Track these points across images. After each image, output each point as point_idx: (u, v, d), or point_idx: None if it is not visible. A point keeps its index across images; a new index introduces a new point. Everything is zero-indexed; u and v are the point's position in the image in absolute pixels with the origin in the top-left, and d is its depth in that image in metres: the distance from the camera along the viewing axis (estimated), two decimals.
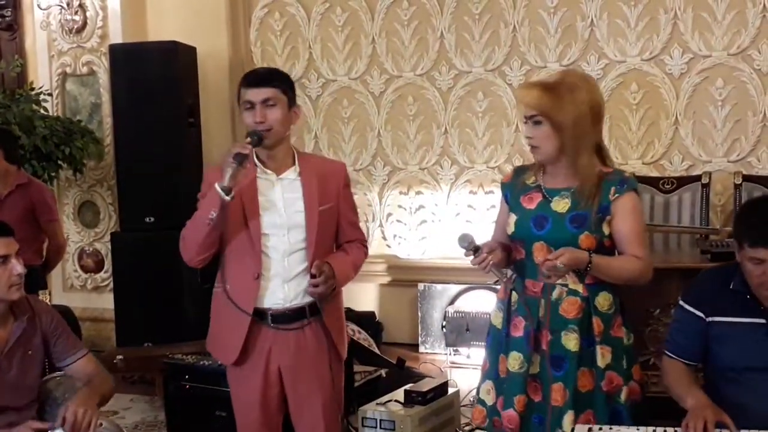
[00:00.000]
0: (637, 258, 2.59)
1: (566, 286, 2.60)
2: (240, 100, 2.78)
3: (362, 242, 2.99)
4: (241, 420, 2.90)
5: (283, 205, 2.76)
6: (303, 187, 2.78)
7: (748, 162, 5.28)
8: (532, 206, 2.66)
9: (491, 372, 2.76)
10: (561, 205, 2.61)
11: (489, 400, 2.75)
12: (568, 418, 2.55)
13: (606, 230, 2.60)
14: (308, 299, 2.79)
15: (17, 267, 2.82)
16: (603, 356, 2.58)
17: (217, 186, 2.60)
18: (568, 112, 2.52)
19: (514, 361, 2.64)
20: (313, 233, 2.77)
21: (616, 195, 2.58)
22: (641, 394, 2.71)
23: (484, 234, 2.87)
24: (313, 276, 2.73)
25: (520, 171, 2.79)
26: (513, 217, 2.69)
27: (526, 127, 2.63)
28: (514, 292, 2.69)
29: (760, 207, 2.63)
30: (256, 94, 2.72)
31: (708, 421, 2.41)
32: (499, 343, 2.74)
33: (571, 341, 2.57)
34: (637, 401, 2.68)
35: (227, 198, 2.59)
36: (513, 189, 2.74)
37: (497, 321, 2.76)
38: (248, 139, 2.65)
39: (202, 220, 2.65)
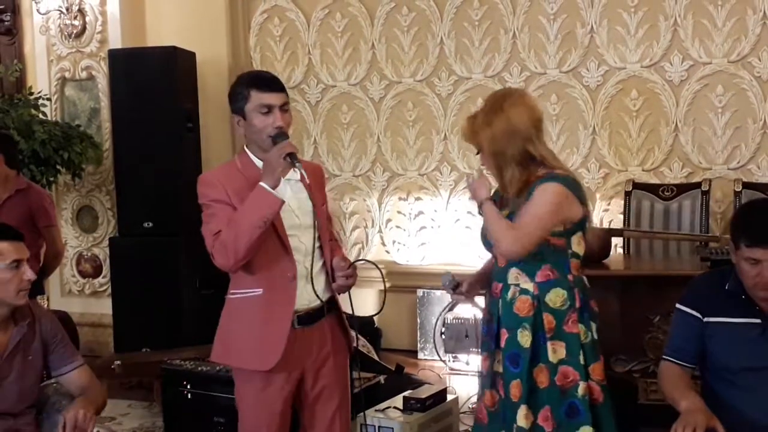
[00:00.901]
0: (512, 227, 2.66)
1: (518, 285, 2.73)
2: (246, 102, 2.73)
3: (338, 241, 3.10)
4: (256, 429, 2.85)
5: (297, 206, 2.79)
6: (307, 188, 2.81)
7: (748, 169, 5.28)
8: None
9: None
10: (505, 211, 2.77)
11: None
12: (521, 412, 2.65)
13: None
14: (326, 296, 2.85)
15: (28, 272, 2.85)
16: (555, 351, 2.67)
17: (266, 187, 2.63)
18: (483, 136, 2.73)
19: (483, 359, 2.84)
20: (325, 232, 2.85)
21: (535, 188, 2.68)
22: (603, 395, 2.73)
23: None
24: (331, 269, 2.82)
25: None
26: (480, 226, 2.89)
27: None
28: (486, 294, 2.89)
29: (758, 208, 2.66)
30: (275, 98, 2.74)
31: (698, 425, 2.42)
32: (481, 342, 2.92)
33: (523, 338, 2.68)
34: (599, 402, 2.71)
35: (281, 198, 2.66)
36: None
37: (482, 322, 2.93)
38: (289, 140, 2.71)
39: (256, 223, 2.62)
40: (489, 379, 2.78)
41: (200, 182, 2.79)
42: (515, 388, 2.67)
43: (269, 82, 2.77)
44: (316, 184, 2.85)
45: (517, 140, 2.70)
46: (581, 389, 2.66)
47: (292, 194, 2.77)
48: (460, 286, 2.84)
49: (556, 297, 2.69)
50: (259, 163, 2.77)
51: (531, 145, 2.71)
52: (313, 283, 2.77)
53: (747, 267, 2.51)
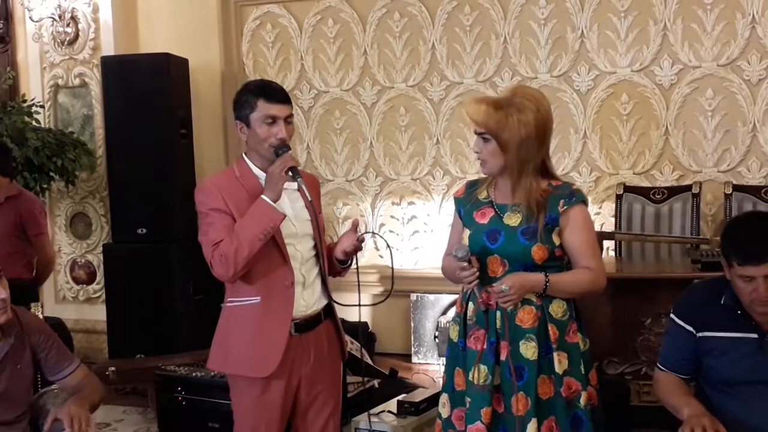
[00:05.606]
0: (588, 269, 2.64)
1: None
2: (252, 111, 2.75)
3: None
4: None
5: (293, 215, 2.81)
6: (304, 197, 2.82)
7: (738, 172, 5.31)
8: (485, 221, 2.71)
9: (447, 385, 2.81)
10: (513, 219, 2.66)
11: (444, 413, 2.81)
12: (531, 426, 2.57)
13: (556, 240, 2.65)
14: (323, 303, 2.89)
15: (1, 292, 2.80)
16: (560, 362, 2.61)
17: (268, 201, 2.66)
18: (514, 133, 2.57)
19: (479, 374, 2.64)
20: (323, 240, 2.87)
21: (565, 207, 2.64)
22: (598, 398, 2.72)
23: None
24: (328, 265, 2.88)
25: (472, 185, 2.85)
26: (467, 232, 2.74)
27: (475, 141, 2.69)
28: (470, 304, 2.72)
29: (746, 224, 2.62)
30: (282, 110, 2.76)
31: (707, 426, 2.42)
32: (455, 356, 2.77)
33: (529, 350, 2.60)
34: (595, 406, 2.69)
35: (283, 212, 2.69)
36: (466, 204, 2.80)
37: (453, 334, 2.80)
38: (290, 152, 2.74)
39: (257, 236, 2.65)
40: (487, 396, 2.62)
41: (199, 190, 2.80)
42: (519, 402, 2.58)
43: (277, 93, 2.78)
44: (313, 194, 2.85)
45: (546, 146, 2.65)
46: (583, 399, 2.62)
47: (289, 203, 2.79)
48: (471, 265, 2.60)
49: (558, 308, 2.64)
50: (257, 173, 2.80)
51: (547, 153, 2.68)
52: (310, 291, 2.82)
53: (742, 284, 2.49)
